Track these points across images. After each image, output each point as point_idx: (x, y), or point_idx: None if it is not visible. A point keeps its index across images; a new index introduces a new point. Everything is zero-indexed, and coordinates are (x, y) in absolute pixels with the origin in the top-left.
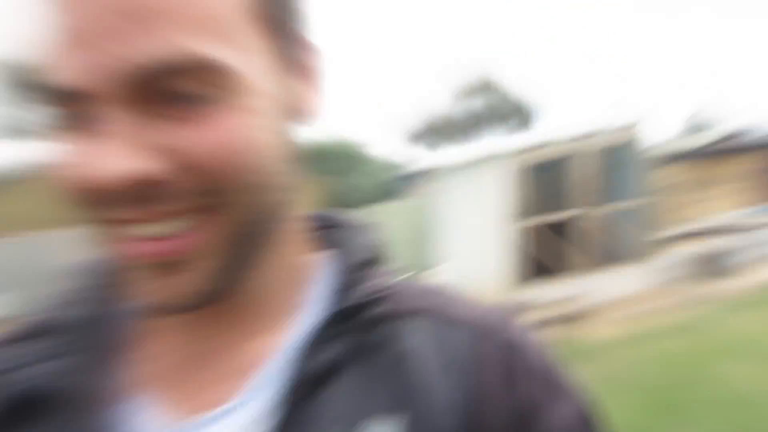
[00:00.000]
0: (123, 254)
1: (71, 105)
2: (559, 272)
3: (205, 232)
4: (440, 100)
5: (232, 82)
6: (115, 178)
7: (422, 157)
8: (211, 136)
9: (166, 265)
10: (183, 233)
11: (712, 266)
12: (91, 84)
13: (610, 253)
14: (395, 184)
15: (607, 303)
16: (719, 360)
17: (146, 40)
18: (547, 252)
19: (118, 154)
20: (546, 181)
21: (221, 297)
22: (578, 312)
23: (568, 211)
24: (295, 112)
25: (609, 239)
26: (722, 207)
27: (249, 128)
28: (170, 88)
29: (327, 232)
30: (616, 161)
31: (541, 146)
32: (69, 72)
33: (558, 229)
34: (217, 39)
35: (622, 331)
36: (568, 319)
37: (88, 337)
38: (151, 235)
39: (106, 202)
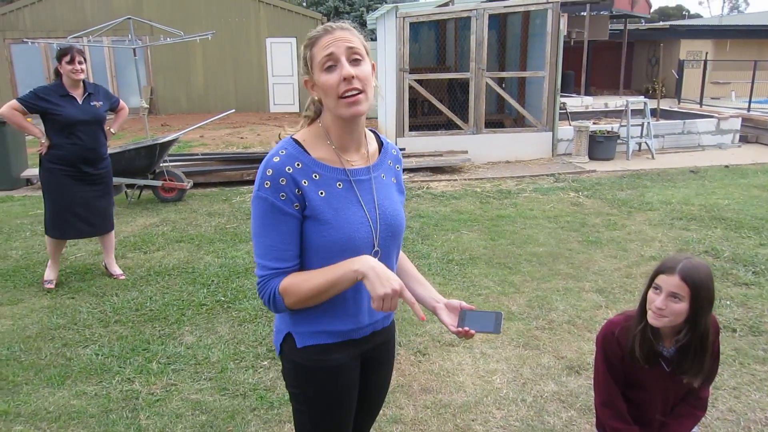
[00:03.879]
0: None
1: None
2: (449, 126)
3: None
4: None
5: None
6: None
7: None
8: (363, 69)
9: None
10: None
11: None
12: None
13: (509, 115)
14: None
15: (481, 162)
16: (524, 219)
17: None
18: (441, 105)
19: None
20: (442, 39)
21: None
22: (447, 165)
23: (465, 72)
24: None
25: (507, 102)
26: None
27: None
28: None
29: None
30: (524, 27)
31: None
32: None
33: (455, 85)
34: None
35: (464, 188)
36: (437, 170)
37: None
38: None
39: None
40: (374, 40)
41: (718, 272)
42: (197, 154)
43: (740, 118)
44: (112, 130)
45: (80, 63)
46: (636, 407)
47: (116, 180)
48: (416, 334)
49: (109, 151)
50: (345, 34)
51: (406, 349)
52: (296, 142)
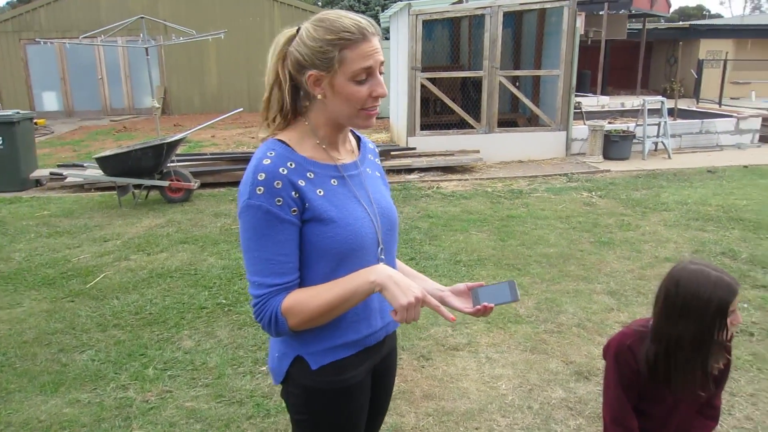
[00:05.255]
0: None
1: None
2: (462, 125)
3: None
4: None
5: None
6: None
7: None
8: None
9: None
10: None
11: (613, 147)
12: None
13: (521, 115)
14: None
15: (493, 161)
16: (532, 221)
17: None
18: (452, 105)
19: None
20: (456, 37)
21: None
22: (458, 164)
23: (478, 70)
24: None
25: (521, 101)
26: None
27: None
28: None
29: None
30: (540, 25)
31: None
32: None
33: (468, 84)
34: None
35: (473, 188)
36: (448, 169)
37: None
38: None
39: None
40: (387, 39)
41: (735, 274)
42: (206, 154)
43: (760, 118)
44: None
45: None
46: (649, 420)
47: (123, 180)
48: (420, 338)
49: (116, 151)
50: (378, 44)
51: (409, 353)
52: (282, 142)
